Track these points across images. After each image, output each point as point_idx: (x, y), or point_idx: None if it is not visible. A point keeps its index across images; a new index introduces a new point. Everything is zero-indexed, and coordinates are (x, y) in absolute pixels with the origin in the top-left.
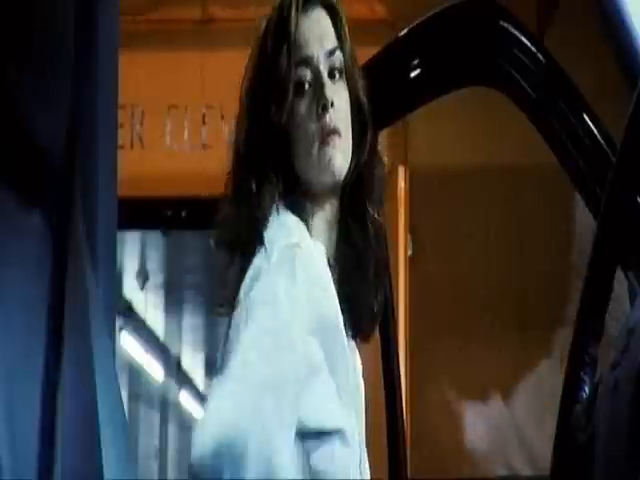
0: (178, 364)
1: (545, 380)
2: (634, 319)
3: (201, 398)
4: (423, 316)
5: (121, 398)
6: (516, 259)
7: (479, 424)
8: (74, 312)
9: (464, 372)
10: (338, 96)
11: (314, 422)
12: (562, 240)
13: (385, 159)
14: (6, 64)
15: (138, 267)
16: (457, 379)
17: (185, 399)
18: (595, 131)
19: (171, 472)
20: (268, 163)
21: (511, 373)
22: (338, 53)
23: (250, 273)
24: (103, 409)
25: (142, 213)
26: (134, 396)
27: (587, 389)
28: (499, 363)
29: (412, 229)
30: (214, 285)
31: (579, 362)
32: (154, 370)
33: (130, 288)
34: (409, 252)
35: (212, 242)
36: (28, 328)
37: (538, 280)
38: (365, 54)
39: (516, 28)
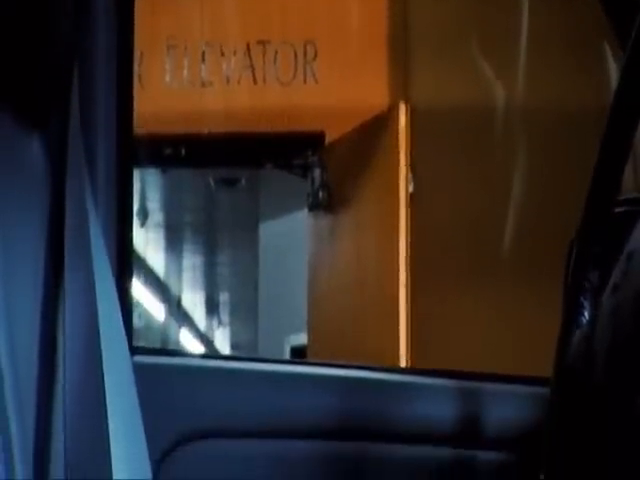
0: (178, 303)
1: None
2: (634, 242)
3: (201, 337)
4: (424, 253)
5: (121, 325)
6: (519, 198)
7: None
8: (74, 233)
9: (468, 312)
10: None
11: None
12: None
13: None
14: None
15: (137, 205)
16: (460, 319)
17: (185, 338)
18: None
19: None
20: None
21: (517, 314)
22: None
23: None
24: (104, 336)
25: (141, 151)
26: (134, 334)
27: (587, 314)
28: (503, 303)
29: (413, 166)
30: (213, 224)
31: (579, 287)
32: (154, 309)
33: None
34: (410, 189)
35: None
36: (28, 251)
37: (540, 220)
38: None
39: None
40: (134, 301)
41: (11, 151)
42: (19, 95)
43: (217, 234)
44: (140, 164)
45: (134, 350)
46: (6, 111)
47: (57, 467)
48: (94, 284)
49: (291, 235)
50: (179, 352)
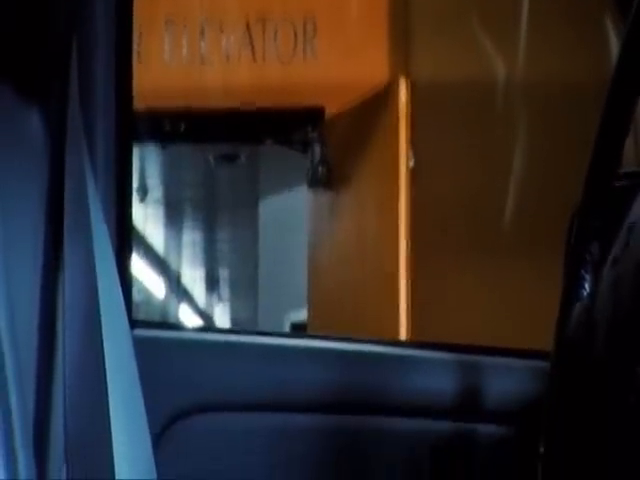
0: (178, 279)
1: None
2: (635, 215)
3: (200, 313)
4: (425, 228)
5: (121, 299)
6: (520, 173)
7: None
8: (73, 207)
9: (468, 286)
10: None
11: None
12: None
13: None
14: None
15: (137, 181)
16: (461, 295)
17: (185, 314)
18: None
19: None
20: None
21: (517, 288)
22: None
23: None
24: (104, 310)
25: (140, 127)
26: (133, 310)
27: (587, 287)
28: (503, 277)
29: (413, 142)
30: (213, 201)
31: (580, 260)
32: (153, 285)
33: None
34: (410, 165)
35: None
36: (28, 225)
37: (541, 195)
38: None
39: None
40: (133, 277)
41: (11, 125)
42: (19, 69)
43: (217, 210)
44: (139, 140)
45: (134, 324)
46: (6, 85)
47: (57, 440)
48: (94, 258)
49: (291, 211)
50: (178, 326)
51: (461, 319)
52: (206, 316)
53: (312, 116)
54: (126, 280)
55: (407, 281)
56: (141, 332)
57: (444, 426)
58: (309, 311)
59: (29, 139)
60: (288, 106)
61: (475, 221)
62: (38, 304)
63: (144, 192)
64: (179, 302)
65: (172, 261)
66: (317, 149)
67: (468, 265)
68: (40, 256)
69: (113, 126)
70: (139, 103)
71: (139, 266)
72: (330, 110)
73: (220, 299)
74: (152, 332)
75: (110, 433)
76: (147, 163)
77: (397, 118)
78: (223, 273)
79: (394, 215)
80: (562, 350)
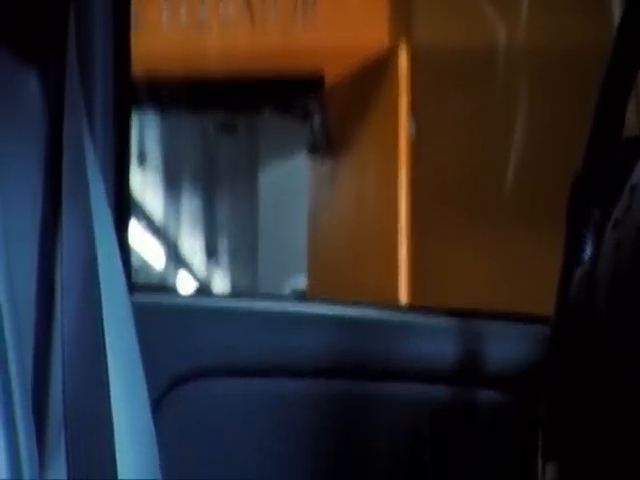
0: (176, 248)
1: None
2: (637, 177)
3: (199, 282)
4: (425, 194)
5: (120, 264)
6: (521, 139)
7: None
8: (72, 174)
9: (468, 253)
10: None
11: None
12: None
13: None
14: None
15: (135, 149)
16: (462, 262)
17: (184, 283)
18: None
19: None
20: None
21: (518, 254)
22: None
23: None
24: (103, 275)
25: (138, 94)
26: (132, 277)
27: (589, 251)
28: (504, 243)
29: (414, 108)
30: (213, 169)
31: (581, 223)
32: (152, 254)
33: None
34: (411, 131)
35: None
36: (26, 191)
37: (542, 161)
38: None
39: None
40: (132, 245)
41: (9, 92)
42: (16, 36)
43: (216, 178)
44: (138, 108)
45: (133, 290)
46: (3, 52)
47: (56, 408)
48: (92, 225)
49: (291, 179)
50: (178, 292)
51: (461, 287)
52: (205, 284)
53: (312, 84)
54: (125, 247)
55: (407, 248)
56: (140, 298)
57: (444, 391)
58: (309, 279)
59: (27, 106)
60: (288, 73)
61: (476, 188)
62: (36, 271)
63: (143, 160)
64: (178, 270)
65: (171, 229)
66: (317, 117)
67: (469, 232)
68: (38, 223)
69: (112, 93)
70: (138, 70)
71: (138, 234)
72: (330, 77)
73: (220, 267)
74: (151, 298)
75: (109, 399)
76: (145, 131)
77: (397, 85)
78: (222, 241)
79: (394, 182)
80: (563, 314)
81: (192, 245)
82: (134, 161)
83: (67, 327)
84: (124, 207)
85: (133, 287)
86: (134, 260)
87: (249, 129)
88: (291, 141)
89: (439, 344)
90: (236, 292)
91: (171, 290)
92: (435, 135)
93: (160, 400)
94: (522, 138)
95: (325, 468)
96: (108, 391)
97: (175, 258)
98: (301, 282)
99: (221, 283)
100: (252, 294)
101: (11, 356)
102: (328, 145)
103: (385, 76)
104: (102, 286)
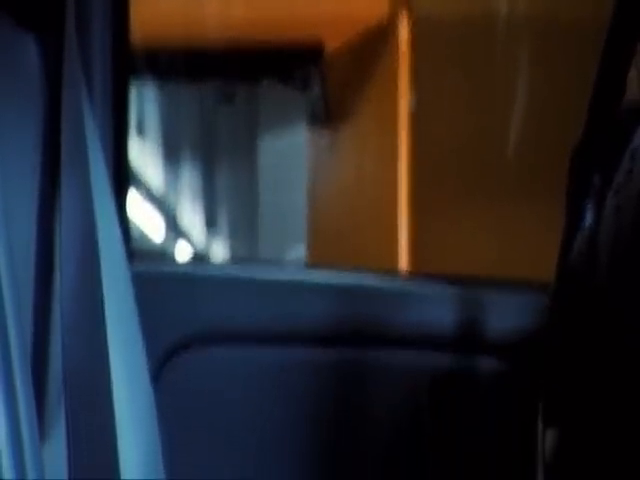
0: (175, 218)
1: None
2: (637, 141)
3: (199, 252)
4: (425, 164)
5: (119, 234)
6: (522, 111)
7: None
8: (70, 144)
9: (468, 226)
10: None
11: None
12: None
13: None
14: None
15: (134, 119)
16: (461, 239)
17: (183, 254)
18: None
19: None
20: None
21: (519, 224)
22: None
23: None
24: (102, 246)
25: (137, 63)
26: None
27: (589, 217)
28: (504, 215)
29: (414, 78)
30: (212, 140)
31: (581, 190)
32: (151, 223)
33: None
34: (411, 101)
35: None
36: (25, 161)
37: (542, 133)
38: None
39: None
40: (131, 215)
41: (7, 59)
42: (14, 3)
43: (215, 148)
44: (136, 76)
45: (132, 258)
46: (1, 19)
47: (56, 377)
48: (91, 193)
49: (290, 149)
50: (177, 260)
51: (461, 256)
52: (205, 254)
53: (311, 54)
54: (124, 216)
55: (406, 219)
56: (140, 267)
57: (444, 358)
58: (308, 248)
59: (26, 76)
60: (287, 43)
61: (475, 158)
62: (35, 241)
63: (140, 130)
64: (177, 240)
65: (170, 199)
66: (316, 87)
67: (468, 202)
68: (37, 192)
69: (110, 63)
70: (136, 39)
71: (137, 204)
72: (329, 47)
73: (219, 237)
74: (151, 266)
75: (108, 366)
76: (144, 102)
77: (398, 55)
78: (222, 211)
79: (394, 152)
80: (563, 279)
81: (191, 215)
82: (132, 131)
83: (66, 296)
84: (123, 177)
85: (132, 256)
86: (133, 230)
87: (248, 99)
88: (290, 111)
89: (439, 311)
90: (236, 260)
91: (171, 259)
92: (435, 105)
93: (160, 368)
94: (522, 109)
95: (324, 435)
96: (107, 360)
97: (174, 228)
98: (301, 251)
99: (221, 252)
100: (252, 262)
101: (10, 322)
102: (327, 115)
103: (385, 46)
104: (101, 255)
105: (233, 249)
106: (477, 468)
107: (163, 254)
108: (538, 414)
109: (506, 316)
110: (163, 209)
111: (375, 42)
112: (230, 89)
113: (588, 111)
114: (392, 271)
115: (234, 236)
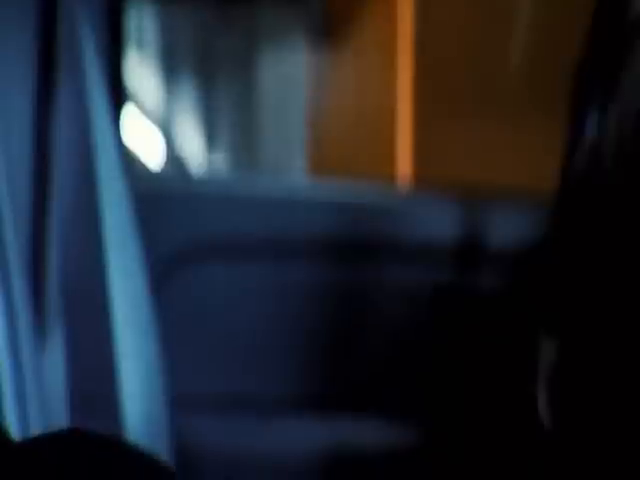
0: (174, 136)
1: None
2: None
3: (198, 169)
4: (428, 83)
5: (116, 149)
6: (532, 27)
7: None
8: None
9: (472, 138)
10: None
11: None
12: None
13: None
14: None
15: (131, 38)
16: (464, 145)
17: (181, 170)
18: None
19: None
20: None
21: (524, 134)
22: None
23: None
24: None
25: None
26: (130, 164)
27: (594, 122)
28: (509, 131)
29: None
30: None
31: (585, 99)
32: (150, 141)
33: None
34: (412, 14)
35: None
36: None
37: (546, 47)
38: None
39: None
40: (129, 131)
41: None
42: None
43: (214, 66)
44: None
45: (130, 175)
46: None
47: (54, 294)
48: (88, 107)
49: (289, 66)
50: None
51: (464, 166)
52: (205, 171)
53: None
54: (120, 131)
55: (409, 134)
56: (138, 182)
57: (446, 271)
58: (308, 165)
59: None
60: None
61: (479, 69)
62: (32, 147)
63: (138, 49)
64: (177, 157)
65: (169, 118)
66: (315, 1)
67: (471, 112)
68: (33, 104)
69: None
70: None
71: (134, 121)
72: None
73: (219, 155)
74: (150, 182)
75: (108, 282)
76: (141, 20)
77: None
78: (221, 129)
79: (395, 65)
80: (567, 187)
81: (191, 133)
82: (129, 50)
83: (64, 204)
84: (120, 91)
85: (131, 173)
86: (131, 148)
87: (246, 15)
88: (289, 27)
89: (441, 224)
90: (234, 176)
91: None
92: (437, 14)
93: (160, 283)
94: (527, 17)
95: (326, 351)
96: (106, 274)
97: (173, 146)
98: (301, 169)
99: (221, 171)
100: (251, 177)
101: (8, 236)
102: (327, 30)
103: None
104: (99, 171)
105: (233, 166)
106: (478, 382)
107: (161, 171)
108: (539, 326)
109: (509, 227)
110: (161, 126)
111: None
112: (228, 5)
113: (592, 23)
114: (392, 184)
115: (233, 154)
